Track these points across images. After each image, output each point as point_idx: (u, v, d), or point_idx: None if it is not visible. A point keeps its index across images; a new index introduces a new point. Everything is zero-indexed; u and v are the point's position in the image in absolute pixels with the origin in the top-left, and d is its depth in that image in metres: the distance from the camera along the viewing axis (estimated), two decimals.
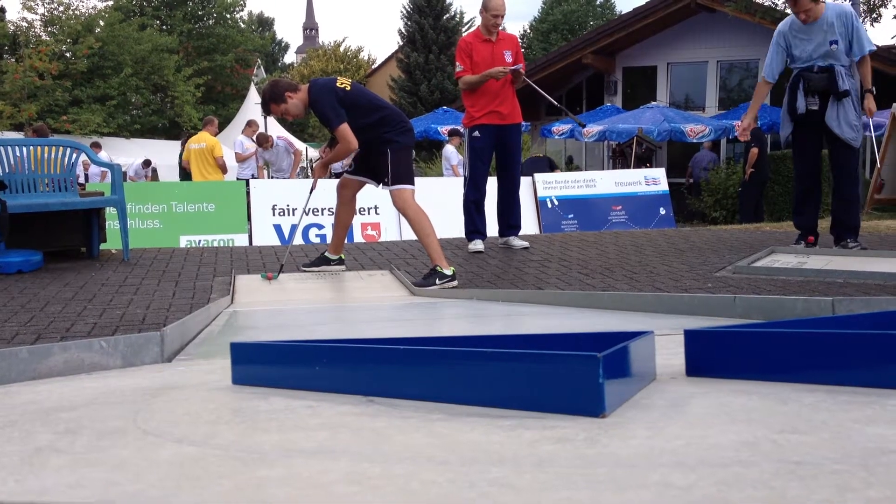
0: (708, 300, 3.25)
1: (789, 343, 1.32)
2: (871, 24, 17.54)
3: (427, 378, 1.30)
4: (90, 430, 1.25)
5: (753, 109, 6.36)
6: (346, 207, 5.94)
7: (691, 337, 1.46)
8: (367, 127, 5.53)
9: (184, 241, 9.79)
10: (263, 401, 1.41)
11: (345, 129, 5.42)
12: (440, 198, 9.92)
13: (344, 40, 45.94)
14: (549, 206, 11.75)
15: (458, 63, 6.76)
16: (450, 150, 14.22)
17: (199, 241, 9.81)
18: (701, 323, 2.67)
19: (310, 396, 1.42)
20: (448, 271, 5.32)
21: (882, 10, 16.89)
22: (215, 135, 12.45)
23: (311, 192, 6.02)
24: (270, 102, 5.57)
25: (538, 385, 1.16)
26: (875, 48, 6.08)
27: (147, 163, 18.31)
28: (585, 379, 1.11)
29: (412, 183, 5.65)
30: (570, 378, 1.12)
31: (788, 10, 17.60)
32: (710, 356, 1.41)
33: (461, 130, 8.57)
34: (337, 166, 12.88)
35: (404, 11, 37.53)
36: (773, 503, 0.68)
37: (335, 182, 6.42)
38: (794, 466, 0.82)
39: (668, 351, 1.70)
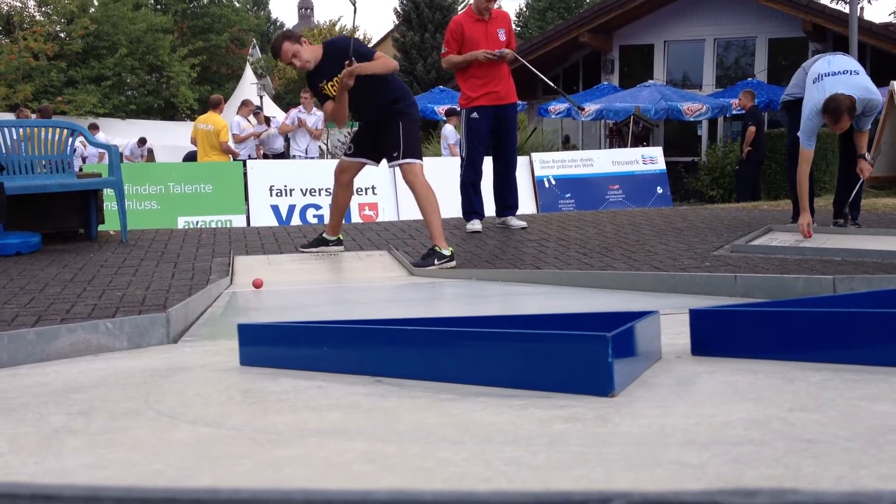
0: (708, 279, 3.26)
1: (795, 322, 1.33)
2: (869, 2, 17.49)
3: (435, 358, 1.31)
4: (103, 411, 1.27)
5: (804, 202, 6.34)
6: (344, 191, 5.91)
7: (697, 316, 1.48)
8: (379, 98, 5.45)
9: (182, 223, 9.79)
10: (272, 381, 1.42)
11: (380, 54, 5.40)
12: (437, 178, 9.90)
13: (339, 20, 45.59)
14: (547, 185, 11.74)
15: (444, 45, 6.75)
16: (449, 129, 14.20)
17: (197, 222, 9.81)
18: (701, 302, 2.69)
19: (318, 377, 1.43)
20: (446, 251, 5.32)
21: None
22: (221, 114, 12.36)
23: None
24: (284, 40, 5.39)
25: (547, 365, 1.17)
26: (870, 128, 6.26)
27: (143, 141, 18.24)
28: (595, 358, 1.12)
29: (421, 158, 5.62)
30: (580, 358, 1.14)
31: None
32: (715, 335, 1.42)
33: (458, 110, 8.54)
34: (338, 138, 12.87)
35: None
36: (788, 481, 0.70)
37: (333, 164, 6.37)
38: (807, 444, 0.83)
39: (672, 330, 1.71)
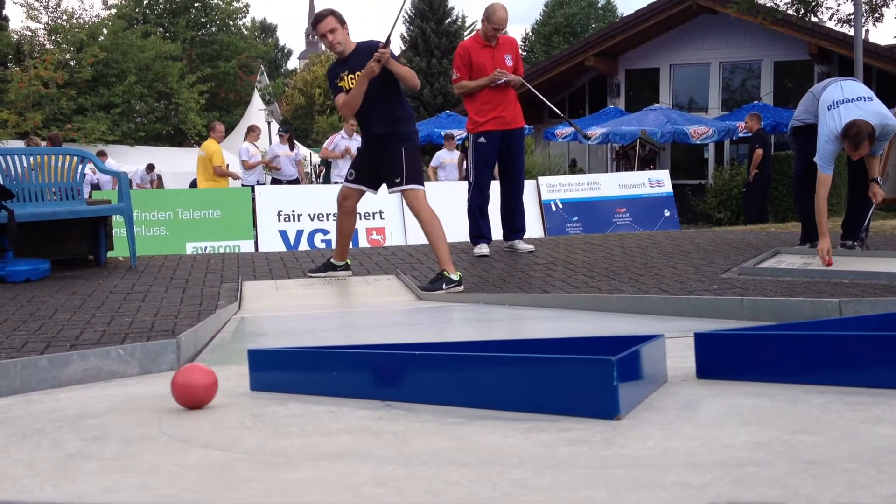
0: (715, 302, 3.27)
1: (798, 345, 1.34)
2: (874, 24, 17.55)
3: (443, 383, 1.32)
4: (117, 436, 1.28)
5: (823, 226, 6.36)
6: (348, 218, 5.89)
7: (702, 340, 1.49)
8: (387, 111, 5.44)
9: (190, 248, 9.83)
10: (282, 406, 1.44)
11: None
12: (445, 202, 9.93)
13: (329, 64, 46.02)
14: (554, 208, 11.77)
15: (454, 70, 6.79)
16: (443, 154, 14.41)
17: (206, 248, 9.85)
18: (708, 325, 2.70)
19: (328, 401, 1.45)
20: (455, 276, 5.33)
21: (884, 9, 16.89)
22: (220, 140, 12.43)
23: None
24: (331, 14, 5.40)
25: (553, 388, 1.19)
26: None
27: (150, 167, 18.35)
28: (600, 382, 1.13)
29: (423, 184, 5.64)
30: (585, 381, 1.15)
31: (790, 11, 17.56)
32: (720, 359, 1.44)
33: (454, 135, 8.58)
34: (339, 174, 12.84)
35: (406, 16, 37.61)
36: (788, 501, 0.71)
37: (335, 190, 6.37)
38: (807, 465, 0.84)
39: (678, 353, 1.72)
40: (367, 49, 5.40)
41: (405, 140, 5.49)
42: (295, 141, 14.14)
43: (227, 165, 12.38)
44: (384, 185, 5.77)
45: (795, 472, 0.82)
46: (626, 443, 0.99)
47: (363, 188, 5.71)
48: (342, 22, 5.43)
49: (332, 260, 6.03)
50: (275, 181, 13.06)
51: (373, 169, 5.64)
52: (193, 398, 1.55)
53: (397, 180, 5.50)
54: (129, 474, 1.03)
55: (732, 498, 0.71)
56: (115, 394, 1.82)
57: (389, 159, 5.49)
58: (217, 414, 1.46)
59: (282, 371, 1.62)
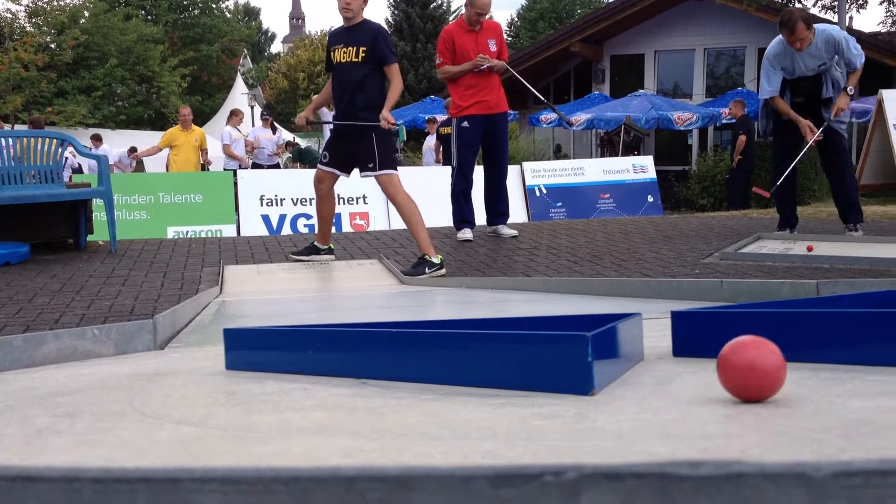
0: (696, 284, 3.28)
1: (773, 323, 1.35)
2: (858, 11, 17.62)
3: (419, 360, 1.32)
4: (89, 413, 1.27)
5: (794, 116, 6.37)
6: (325, 201, 5.87)
7: (678, 318, 1.49)
8: (362, 96, 5.47)
9: (171, 233, 9.77)
10: (257, 384, 1.43)
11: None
12: (428, 186, 9.93)
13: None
14: (538, 194, 11.77)
15: (438, 55, 6.78)
16: (432, 140, 14.42)
17: (187, 232, 9.80)
18: (689, 307, 2.70)
19: (303, 380, 1.44)
20: (436, 259, 5.33)
21: None
22: (184, 126, 12.23)
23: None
24: None
25: (528, 365, 1.18)
26: (863, 60, 6.18)
27: (133, 150, 18.21)
28: (575, 358, 1.13)
29: (397, 169, 5.65)
30: (560, 357, 1.15)
31: None
32: (696, 336, 1.44)
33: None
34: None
35: (391, 1, 37.44)
36: (752, 469, 0.71)
37: (312, 174, 6.33)
38: (777, 437, 0.85)
39: (657, 333, 1.73)
40: (369, 31, 5.50)
41: (376, 128, 5.50)
42: (276, 125, 14.09)
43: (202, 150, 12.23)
44: (356, 171, 5.78)
45: (765, 444, 0.82)
46: (599, 416, 0.99)
47: (336, 171, 5.72)
48: None
49: (315, 243, 6.01)
50: (255, 165, 12.99)
51: (346, 152, 5.65)
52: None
53: (370, 165, 5.52)
54: (97, 448, 1.03)
55: (731, 457, 0.71)
56: (90, 373, 1.80)
57: (362, 144, 5.52)
58: (191, 392, 1.45)
59: (257, 350, 1.61)
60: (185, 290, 4.88)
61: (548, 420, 0.98)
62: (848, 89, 6.22)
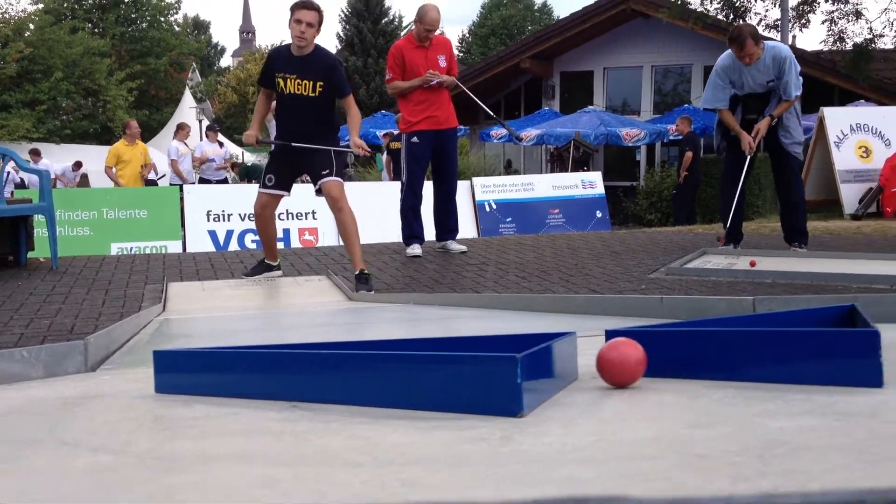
0: (638, 301, 3.31)
1: (701, 341, 1.36)
2: (800, 30, 18.04)
3: (351, 382, 1.30)
4: (6, 440, 1.23)
5: (738, 130, 6.46)
6: (270, 224, 5.77)
7: (612, 337, 1.49)
8: (320, 125, 5.44)
9: (115, 249, 9.60)
10: (186, 408, 1.40)
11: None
12: (377, 202, 9.91)
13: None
14: (488, 209, 11.81)
15: (388, 71, 6.78)
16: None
17: (132, 249, 9.63)
18: (631, 324, 2.72)
19: (234, 403, 1.41)
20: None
21: (810, 15, 17.36)
22: (132, 140, 12.07)
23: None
24: (318, 11, 5.35)
25: (459, 387, 1.17)
26: (799, 93, 6.32)
27: (78, 164, 17.92)
28: (504, 380, 1.12)
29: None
30: (490, 379, 1.14)
31: (720, 16, 17.96)
32: None
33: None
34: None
35: (342, 15, 37.43)
36: (671, 494, 0.71)
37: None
38: (697, 459, 0.85)
39: (593, 351, 1.73)
40: (326, 65, 5.39)
41: (331, 142, 5.50)
42: (223, 140, 14.00)
43: (152, 165, 12.04)
44: (300, 187, 5.77)
45: (684, 466, 0.82)
46: (525, 439, 0.98)
47: (283, 193, 5.65)
48: (320, 24, 5.38)
49: (265, 260, 5.93)
50: (203, 180, 12.85)
51: (296, 165, 5.60)
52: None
53: (325, 172, 5.41)
54: (7, 479, 0.99)
55: (617, 491, 0.71)
56: (14, 397, 1.75)
57: (318, 155, 5.44)
58: (115, 417, 1.42)
59: (188, 373, 1.57)
60: (128, 307, 4.79)
61: (474, 444, 0.97)
62: (773, 116, 6.34)
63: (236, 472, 0.94)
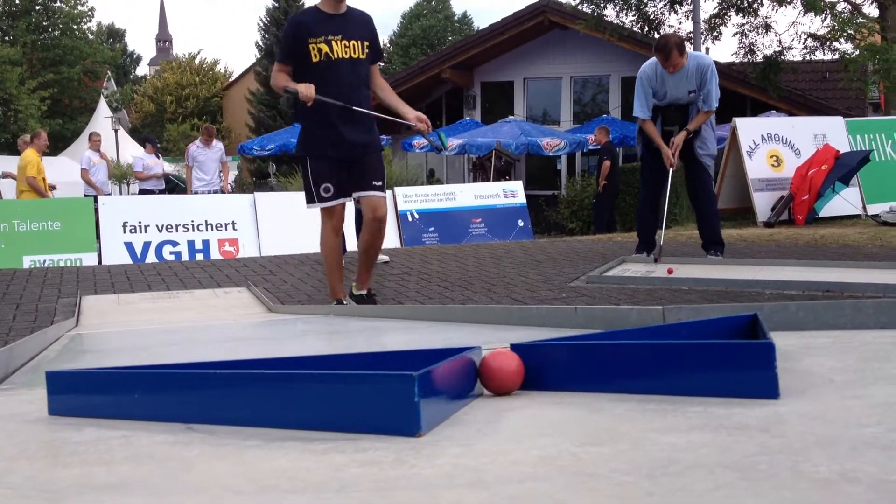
0: (554, 311, 3.32)
1: (605, 353, 1.36)
2: (713, 42, 18.53)
3: (246, 402, 1.26)
4: None
5: (659, 142, 6.56)
6: (338, 239, 5.20)
7: (517, 351, 1.49)
8: (370, 124, 4.94)
9: (27, 262, 9.30)
10: (77, 432, 1.34)
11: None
12: (299, 213, 9.79)
13: (199, 52, 44.82)
14: (410, 219, 11.81)
15: None
16: None
17: (45, 262, 9.34)
18: (549, 334, 2.73)
19: (128, 426, 1.36)
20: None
21: (722, 28, 17.88)
22: (41, 150, 11.75)
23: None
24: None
25: (355, 406, 1.15)
26: (716, 106, 6.49)
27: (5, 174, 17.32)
28: (401, 398, 1.10)
29: None
30: (386, 398, 1.12)
31: (636, 28, 18.36)
32: (534, 369, 1.44)
33: None
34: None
35: (261, 24, 37.06)
36: None
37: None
38: (586, 479, 0.84)
39: None
40: (366, 22, 4.82)
41: (379, 148, 5.07)
42: (158, 154, 13.85)
43: (45, 179, 11.71)
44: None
45: (572, 487, 0.81)
46: (418, 461, 0.96)
47: (344, 200, 5.06)
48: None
49: (354, 292, 5.32)
50: (145, 191, 12.63)
51: (351, 173, 5.00)
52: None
53: (377, 183, 4.94)
54: None
55: None
56: None
57: (369, 160, 4.96)
58: (0, 442, 1.35)
59: (82, 394, 1.51)
60: (39, 322, 4.65)
61: (364, 467, 0.95)
62: (689, 130, 6.48)
63: (113, 502, 0.89)
